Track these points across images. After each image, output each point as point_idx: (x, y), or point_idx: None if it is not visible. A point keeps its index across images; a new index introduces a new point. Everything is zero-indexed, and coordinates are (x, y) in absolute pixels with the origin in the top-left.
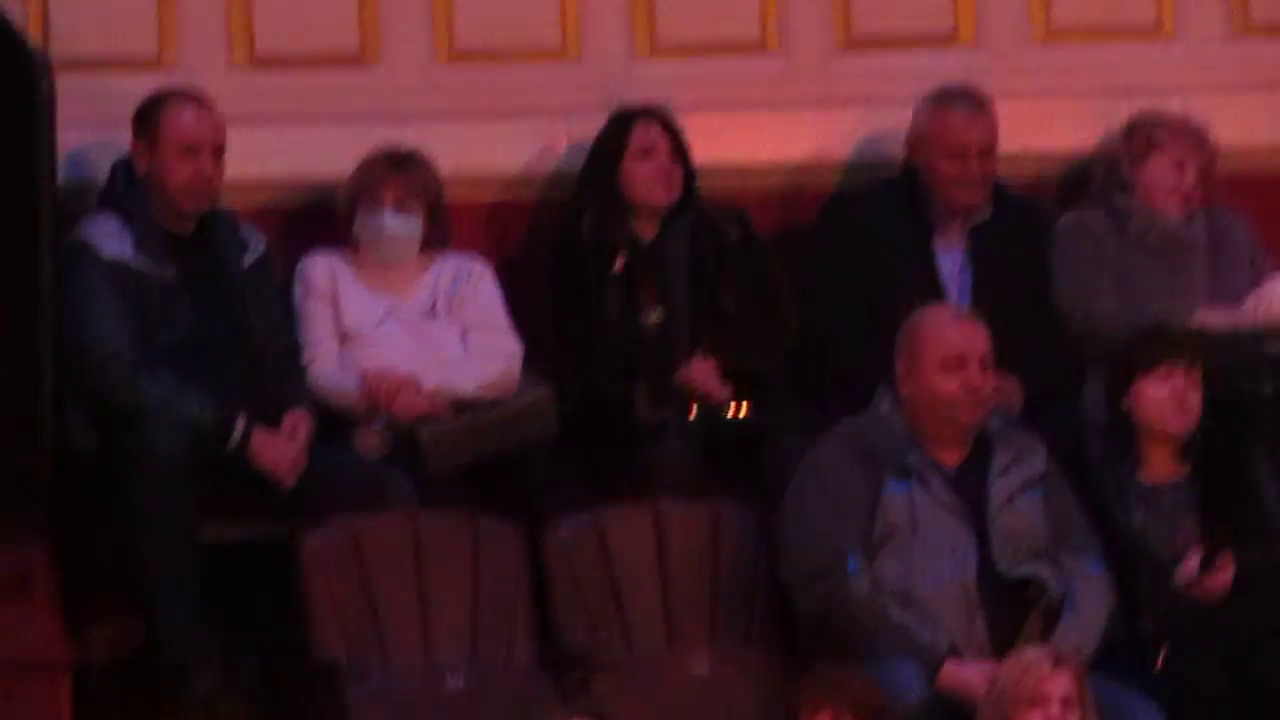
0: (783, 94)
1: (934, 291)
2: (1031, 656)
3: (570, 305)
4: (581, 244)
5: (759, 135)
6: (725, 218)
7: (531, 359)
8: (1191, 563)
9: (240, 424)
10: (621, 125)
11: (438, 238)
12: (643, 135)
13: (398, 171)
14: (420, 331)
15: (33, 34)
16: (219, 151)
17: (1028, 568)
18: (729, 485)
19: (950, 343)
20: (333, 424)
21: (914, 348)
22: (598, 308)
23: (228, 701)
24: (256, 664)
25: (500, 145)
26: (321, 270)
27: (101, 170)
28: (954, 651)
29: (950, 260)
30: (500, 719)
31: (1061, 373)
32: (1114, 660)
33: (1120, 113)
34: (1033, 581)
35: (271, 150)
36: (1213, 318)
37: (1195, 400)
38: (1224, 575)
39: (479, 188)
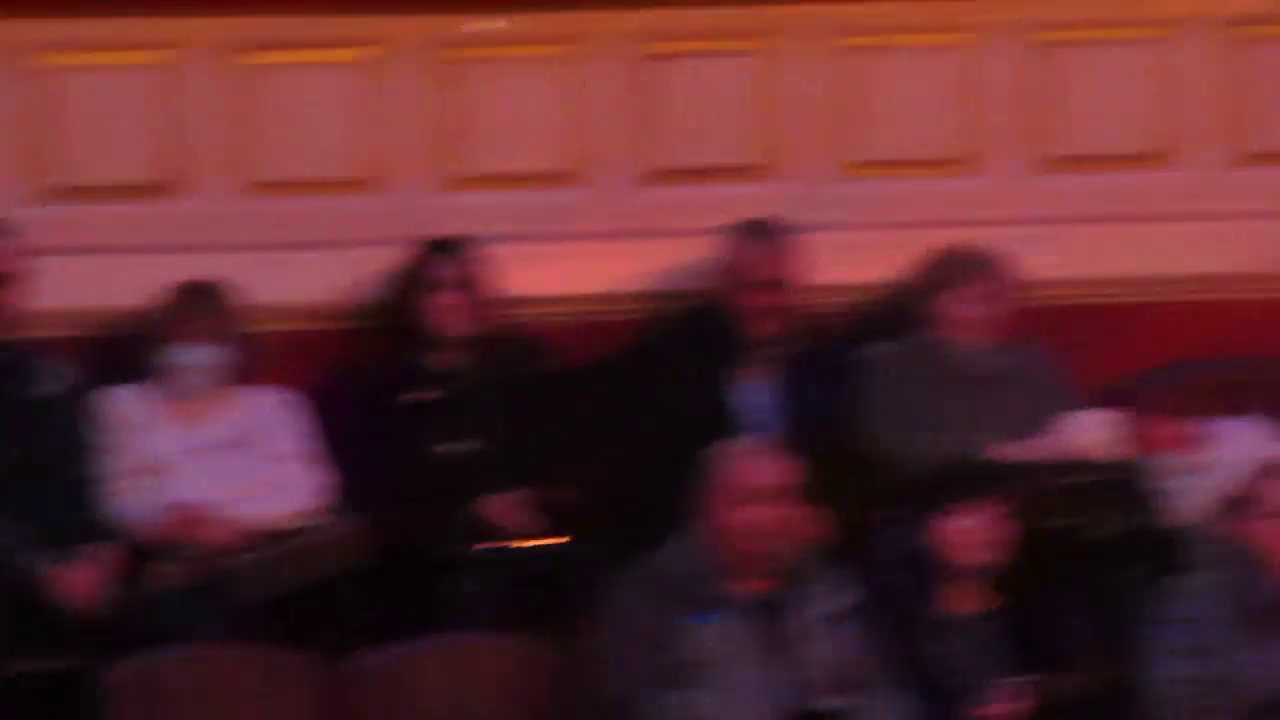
0: (588, 225)
1: (738, 423)
2: None
3: (374, 436)
4: (385, 375)
5: (564, 266)
6: (529, 349)
7: (337, 490)
8: (992, 694)
9: (42, 556)
10: (424, 256)
11: (242, 369)
12: (445, 267)
13: (201, 303)
14: (224, 463)
15: None
16: (20, 281)
17: (835, 701)
18: (534, 619)
19: (753, 475)
20: (136, 556)
21: (717, 480)
22: (402, 439)
23: None
24: None
25: (305, 277)
26: (125, 402)
27: None
28: None
29: (754, 392)
30: None
31: (867, 505)
32: None
33: (925, 245)
34: (839, 715)
35: (75, 281)
36: (1018, 451)
37: (1000, 534)
38: (1022, 706)
39: (284, 319)
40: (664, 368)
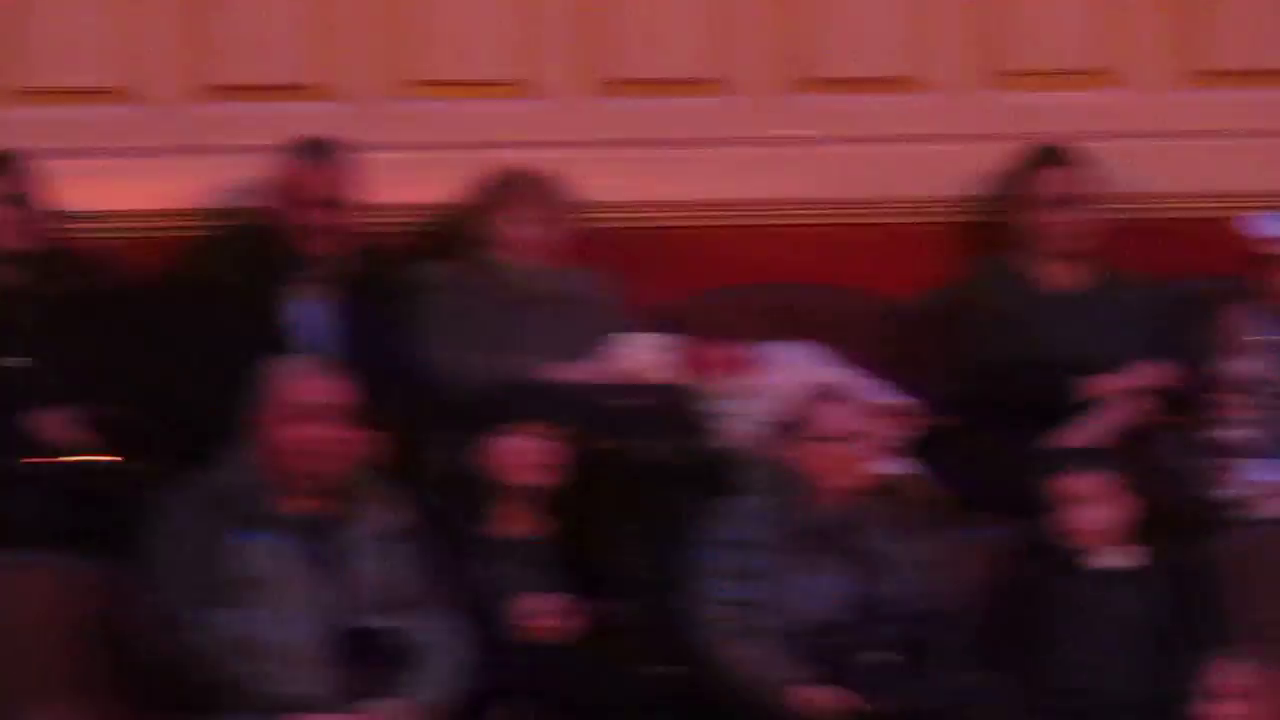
0: (141, 141)
1: (290, 342)
2: (387, 711)
3: None
4: None
5: (117, 182)
6: (81, 265)
7: None
8: (531, 609)
9: None
10: None
11: None
12: None
13: None
14: None
15: None
16: None
17: (383, 620)
18: (85, 536)
19: (304, 393)
20: None
21: (268, 397)
22: None
23: None
24: None
25: None
26: None
27: None
28: (307, 704)
29: (309, 311)
30: None
31: (421, 425)
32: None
33: (482, 166)
34: (388, 634)
35: None
36: (570, 373)
37: (550, 455)
38: (568, 623)
39: None
40: (217, 285)
